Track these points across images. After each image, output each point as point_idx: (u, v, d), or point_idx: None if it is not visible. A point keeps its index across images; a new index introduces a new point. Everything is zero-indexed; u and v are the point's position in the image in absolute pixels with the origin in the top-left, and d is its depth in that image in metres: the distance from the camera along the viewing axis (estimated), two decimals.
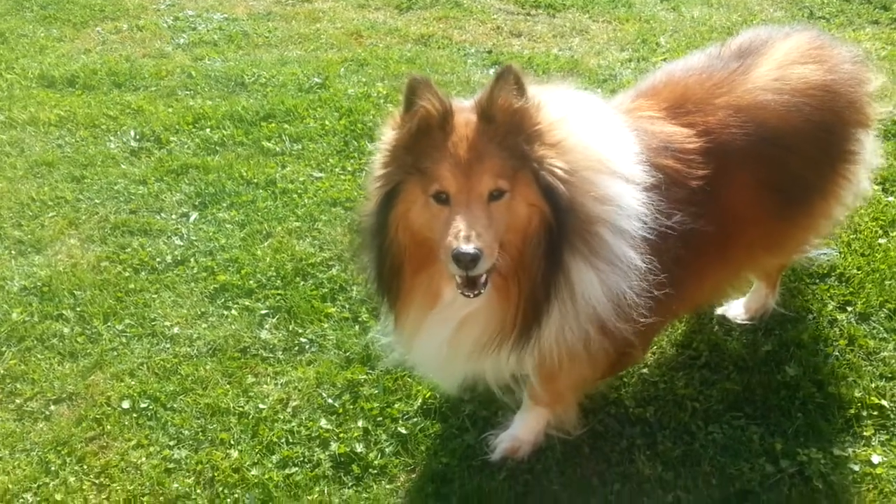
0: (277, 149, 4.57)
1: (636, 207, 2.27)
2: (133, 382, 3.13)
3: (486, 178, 2.13)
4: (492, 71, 5.41)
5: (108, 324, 3.41)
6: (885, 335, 3.17)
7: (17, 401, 3.08)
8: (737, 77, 2.65)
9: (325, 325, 3.37)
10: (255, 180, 4.30)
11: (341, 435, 2.90)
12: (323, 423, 2.94)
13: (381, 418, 2.94)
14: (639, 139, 2.41)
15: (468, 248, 2.05)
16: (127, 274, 3.69)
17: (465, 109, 2.24)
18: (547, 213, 2.17)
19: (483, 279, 2.18)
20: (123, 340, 3.34)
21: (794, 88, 2.63)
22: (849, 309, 3.30)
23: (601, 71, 5.32)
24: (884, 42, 5.48)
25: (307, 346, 3.29)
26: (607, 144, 2.32)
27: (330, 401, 3.03)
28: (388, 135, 2.29)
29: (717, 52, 2.79)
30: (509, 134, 2.16)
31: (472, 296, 2.20)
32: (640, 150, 2.37)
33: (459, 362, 2.45)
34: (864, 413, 2.88)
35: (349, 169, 4.37)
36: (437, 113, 2.16)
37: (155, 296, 3.57)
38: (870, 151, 2.96)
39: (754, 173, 2.60)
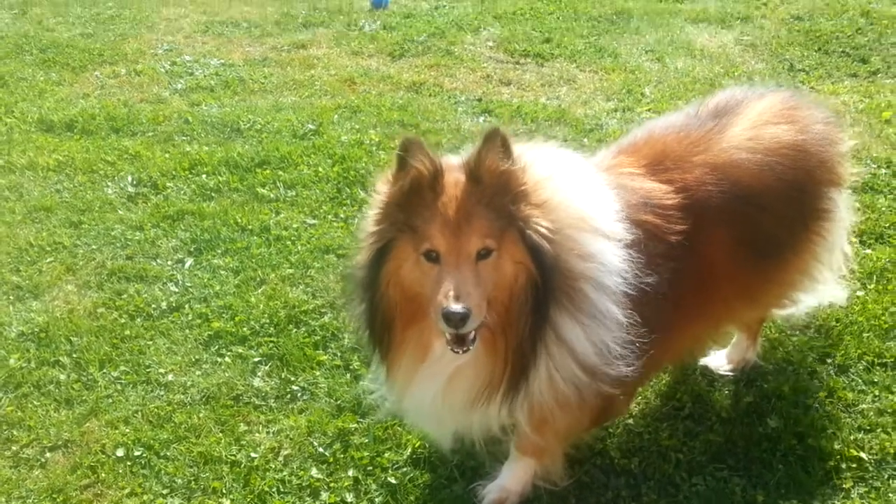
0: (272, 195, 4.67)
1: (617, 264, 2.36)
2: (127, 430, 3.18)
3: (474, 238, 2.22)
4: (482, 119, 5.56)
5: (104, 370, 3.46)
6: (864, 387, 3.26)
7: (13, 448, 3.11)
8: (713, 136, 2.76)
9: (317, 373, 3.43)
10: (250, 227, 4.38)
11: (332, 484, 2.95)
12: (314, 472, 2.99)
13: (371, 468, 3.00)
14: (619, 196, 2.51)
15: (457, 307, 2.14)
16: (123, 320, 3.75)
17: (454, 168, 2.33)
18: (533, 270, 2.26)
19: (472, 336, 2.26)
20: (118, 387, 3.39)
21: (766, 148, 2.75)
22: (828, 361, 3.39)
23: (588, 120, 5.46)
24: (861, 95, 5.66)
25: (299, 394, 3.35)
26: (589, 203, 2.42)
27: (321, 450, 3.08)
28: (381, 191, 2.39)
29: (695, 111, 2.91)
30: (496, 195, 2.26)
31: (461, 352, 2.28)
32: (621, 207, 2.47)
33: (451, 415, 2.53)
34: (844, 465, 2.94)
35: (342, 216, 4.47)
36: (427, 173, 2.26)
37: (150, 342, 3.62)
38: (844, 209, 3.07)
39: (730, 229, 2.71)
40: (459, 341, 2.25)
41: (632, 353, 2.44)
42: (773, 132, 2.79)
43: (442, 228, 2.23)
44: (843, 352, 3.41)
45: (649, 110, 5.52)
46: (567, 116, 5.52)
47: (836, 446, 3.01)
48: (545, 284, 2.26)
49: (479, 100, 5.86)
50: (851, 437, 3.04)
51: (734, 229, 2.71)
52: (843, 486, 2.87)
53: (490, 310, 2.28)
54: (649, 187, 2.62)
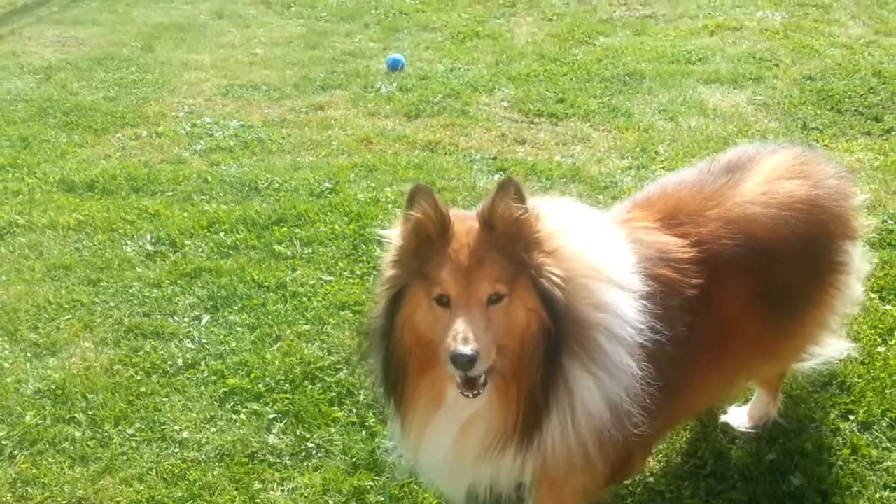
0: (288, 252, 4.71)
1: (632, 315, 2.35)
2: (142, 487, 3.16)
3: (485, 283, 2.23)
4: (497, 177, 5.60)
5: (119, 427, 3.46)
6: (888, 444, 3.20)
7: None
8: (726, 191, 2.78)
9: (333, 430, 3.41)
10: (266, 283, 4.41)
11: None
12: None
13: None
14: (634, 249, 2.52)
15: (465, 349, 2.14)
16: (139, 377, 3.76)
17: (468, 218, 2.36)
18: (545, 317, 2.25)
19: (482, 380, 2.26)
20: (133, 444, 3.38)
21: (780, 202, 2.75)
22: (851, 418, 3.34)
23: (602, 178, 5.50)
24: (876, 152, 5.68)
25: (314, 451, 3.32)
26: (604, 254, 2.42)
27: None
28: (395, 239, 2.41)
29: (708, 166, 2.93)
30: (509, 242, 2.27)
31: (471, 396, 2.27)
32: (636, 260, 2.48)
33: (465, 466, 2.48)
34: None
35: (358, 272, 4.49)
36: (434, 221, 2.28)
37: (165, 399, 3.62)
38: (858, 261, 3.07)
39: (746, 283, 2.69)
40: (470, 385, 2.25)
41: (647, 407, 2.41)
42: (787, 187, 2.81)
43: (453, 273, 2.25)
44: (865, 408, 3.36)
45: (663, 168, 5.56)
46: (582, 174, 5.56)
47: None
48: (557, 333, 2.26)
49: (495, 158, 5.92)
50: (877, 496, 2.98)
51: (750, 282, 2.70)
52: None
53: (502, 356, 2.28)
54: (664, 241, 2.63)
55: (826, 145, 5.84)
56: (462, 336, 2.15)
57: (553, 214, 2.39)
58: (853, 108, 6.47)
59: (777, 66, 7.54)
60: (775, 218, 2.72)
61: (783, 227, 2.72)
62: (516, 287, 2.25)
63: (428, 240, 2.30)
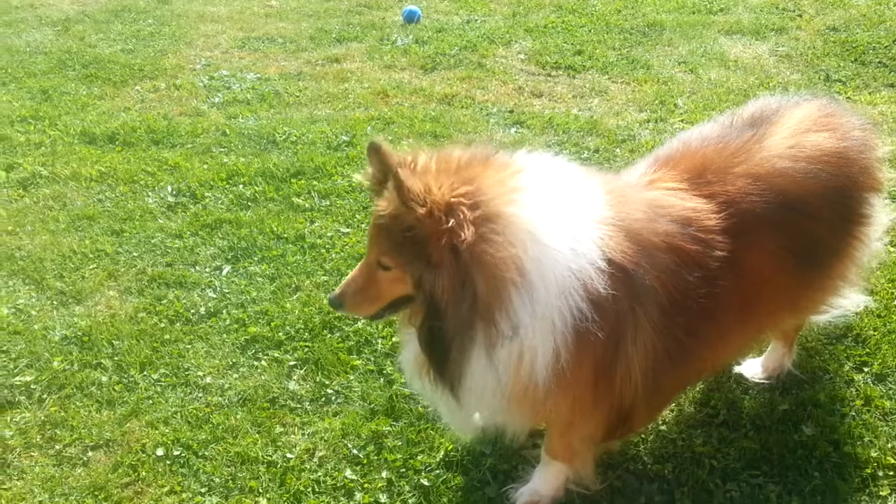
0: (306, 205, 4.74)
1: (556, 309, 2.28)
2: (167, 430, 3.25)
3: (374, 249, 2.40)
4: (513, 129, 5.60)
5: (144, 373, 3.55)
6: None
7: (57, 447, 3.20)
8: (752, 145, 2.74)
9: (351, 377, 3.48)
10: (285, 235, 4.46)
11: (366, 485, 2.98)
12: (348, 473, 3.03)
13: (404, 470, 3.03)
14: (653, 220, 2.50)
15: (332, 301, 2.53)
16: (163, 325, 3.84)
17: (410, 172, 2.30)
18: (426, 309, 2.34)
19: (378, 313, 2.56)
20: (158, 389, 3.47)
21: (809, 156, 2.73)
22: (865, 370, 3.36)
23: (620, 131, 5.47)
24: None
25: (333, 398, 3.39)
26: (540, 257, 2.26)
27: (355, 451, 3.12)
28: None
29: (730, 120, 2.90)
30: (398, 231, 2.27)
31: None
32: (650, 235, 2.45)
33: (415, 379, 2.63)
34: (881, 473, 2.92)
35: None
36: (377, 177, 2.41)
37: (189, 346, 3.70)
38: (882, 214, 3.06)
39: (776, 239, 2.68)
40: None
41: (646, 375, 2.48)
42: (815, 140, 2.78)
43: (369, 230, 2.44)
44: (880, 360, 3.38)
45: (682, 121, 5.52)
46: (599, 127, 5.54)
47: (873, 454, 2.98)
48: (432, 315, 2.32)
49: (511, 111, 5.90)
50: (889, 445, 3.01)
51: (780, 238, 2.69)
52: (880, 493, 2.84)
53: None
54: (690, 207, 2.59)
55: (849, 98, 5.77)
56: (340, 287, 2.51)
57: (510, 204, 2.27)
58: (877, 60, 6.37)
59: (800, 16, 7.41)
60: (805, 171, 2.70)
61: (813, 181, 2.70)
62: (403, 268, 2.34)
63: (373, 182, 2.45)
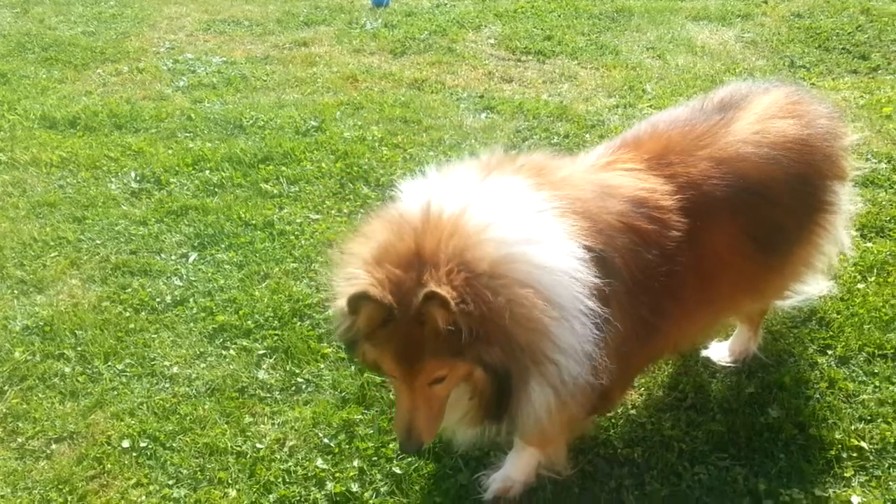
0: (275, 191, 4.69)
1: (586, 330, 2.28)
2: (133, 422, 3.20)
3: (423, 375, 2.26)
4: (483, 115, 5.58)
5: (109, 363, 3.49)
6: (864, 378, 3.28)
7: (19, 439, 3.13)
8: (719, 130, 2.76)
9: (322, 366, 3.45)
10: (253, 222, 4.40)
11: (337, 475, 2.97)
12: (319, 462, 3.01)
13: (376, 458, 3.02)
14: (602, 205, 2.48)
15: (410, 448, 2.39)
16: (127, 314, 3.77)
17: (409, 293, 2.18)
18: (488, 378, 2.26)
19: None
20: (123, 380, 3.41)
21: (772, 142, 2.76)
22: (829, 352, 3.41)
23: (589, 116, 5.48)
24: (862, 91, 5.68)
25: (304, 386, 3.37)
26: (550, 278, 2.26)
27: (326, 441, 3.10)
28: (338, 312, 2.34)
29: (700, 104, 2.91)
30: (442, 342, 2.18)
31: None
32: (602, 218, 2.44)
33: (449, 427, 2.59)
34: (845, 454, 2.96)
35: (345, 211, 4.49)
36: (379, 319, 2.20)
37: (154, 336, 3.64)
38: (846, 201, 3.09)
39: (736, 222, 2.71)
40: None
41: (620, 355, 2.48)
42: (780, 126, 2.80)
43: (396, 363, 2.27)
44: (843, 343, 3.43)
45: (651, 106, 5.54)
46: (568, 113, 5.54)
47: (837, 436, 3.02)
48: (502, 379, 2.27)
49: (481, 96, 5.88)
50: (852, 427, 3.06)
51: (740, 222, 2.71)
52: (844, 474, 2.89)
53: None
54: (645, 187, 2.60)
55: (813, 83, 5.83)
56: (406, 430, 2.33)
57: (487, 248, 2.22)
58: (840, 46, 6.44)
59: (765, 2, 7.48)
60: (768, 157, 2.72)
61: (775, 167, 2.73)
62: (457, 364, 2.25)
63: (371, 329, 2.25)
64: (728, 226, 2.70)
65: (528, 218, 2.33)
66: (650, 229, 2.53)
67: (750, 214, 2.72)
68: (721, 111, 2.84)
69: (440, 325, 2.13)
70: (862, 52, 6.31)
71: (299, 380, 3.39)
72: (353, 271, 2.24)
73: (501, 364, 2.22)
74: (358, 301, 2.14)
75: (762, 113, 2.83)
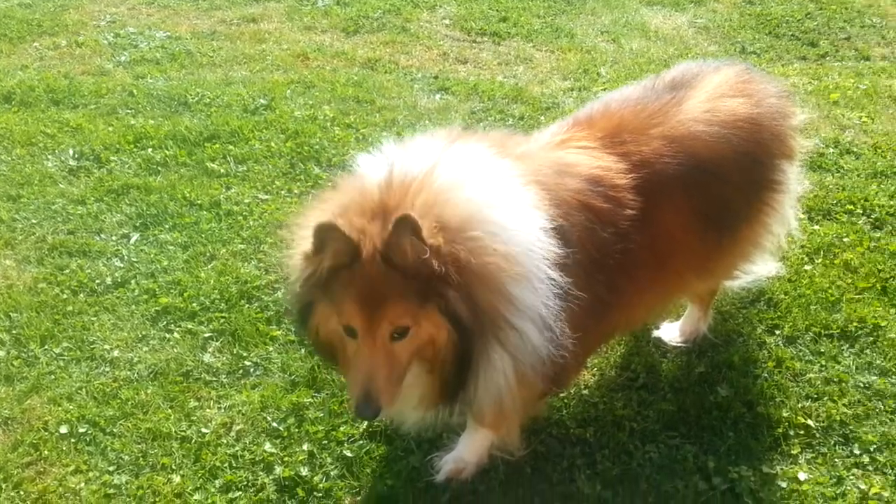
0: (222, 170, 4.56)
1: (548, 297, 2.28)
2: (71, 407, 3.08)
3: (386, 322, 2.18)
4: (438, 96, 5.51)
5: (45, 347, 3.35)
6: (811, 357, 3.32)
7: None
8: (670, 108, 2.76)
9: (271, 349, 3.37)
10: (199, 202, 4.27)
11: (286, 458, 2.90)
12: (267, 446, 2.94)
13: (326, 441, 2.95)
14: (559, 182, 2.47)
15: (367, 412, 2.23)
16: (65, 296, 3.63)
17: (375, 235, 2.17)
18: (452, 334, 2.22)
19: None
20: (61, 364, 3.28)
21: (723, 121, 2.76)
22: (777, 332, 3.45)
23: (544, 99, 5.45)
24: (811, 77, 5.75)
25: (252, 370, 3.28)
26: (516, 241, 2.27)
27: (275, 424, 3.02)
28: (298, 262, 2.29)
29: (652, 84, 2.91)
30: (413, 277, 2.15)
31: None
32: (559, 196, 2.42)
33: (404, 413, 2.54)
34: (792, 432, 3.00)
35: (295, 191, 4.39)
36: (345, 256, 2.16)
37: (94, 318, 3.51)
38: (794, 182, 3.12)
39: (687, 201, 2.71)
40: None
41: (583, 328, 2.45)
42: (730, 105, 2.81)
43: (359, 308, 2.18)
44: (791, 323, 3.47)
45: (605, 89, 5.52)
46: (524, 95, 5.50)
47: (785, 414, 3.06)
48: (466, 340, 2.23)
49: (436, 77, 5.80)
50: (799, 406, 3.10)
51: (691, 201, 2.72)
52: (791, 451, 2.92)
53: (416, 363, 2.30)
54: (600, 165, 2.59)
55: (763, 69, 5.88)
56: (364, 392, 2.19)
57: (452, 215, 2.21)
58: (790, 33, 6.52)
59: None
60: (718, 136, 2.73)
61: (725, 146, 2.73)
62: (423, 314, 2.20)
63: (335, 269, 2.19)
64: (680, 204, 2.71)
65: (495, 182, 2.33)
66: (605, 208, 2.53)
67: (701, 193, 2.72)
68: (672, 90, 2.84)
69: (409, 257, 2.10)
70: (811, 40, 6.39)
71: (247, 363, 3.30)
72: (314, 223, 2.17)
73: (466, 319, 2.17)
74: (325, 233, 2.12)
75: (713, 92, 2.84)
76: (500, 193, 2.31)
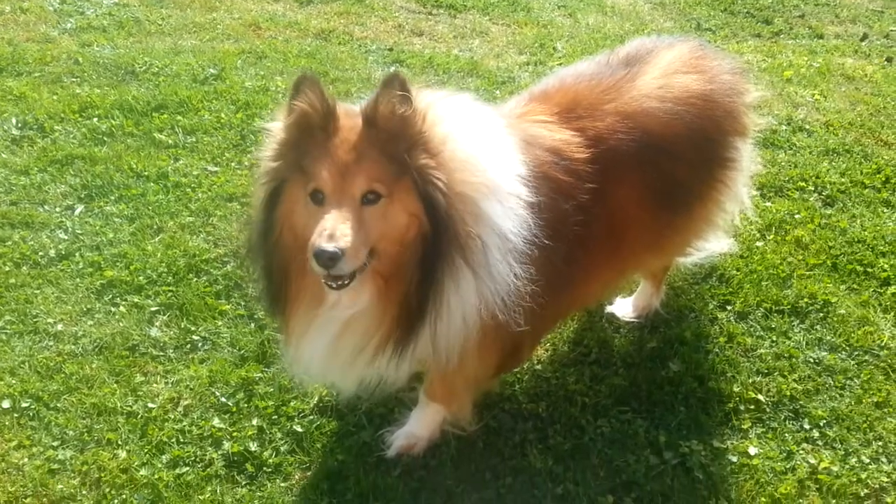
0: (170, 141, 4.44)
1: (513, 226, 2.28)
2: (14, 381, 2.98)
3: (360, 179, 2.12)
4: (392, 69, 5.42)
5: None
6: (762, 333, 3.37)
7: None
8: (624, 84, 2.75)
9: (219, 323, 3.30)
10: (146, 173, 4.15)
11: (235, 434, 2.84)
12: (216, 422, 2.88)
13: (276, 417, 2.91)
14: (527, 150, 2.45)
15: (328, 246, 2.03)
16: (7, 268, 3.50)
17: (353, 114, 2.22)
18: (424, 223, 2.17)
19: (349, 276, 2.16)
20: (3, 338, 3.17)
21: (676, 97, 2.75)
22: (728, 308, 3.49)
23: (500, 73, 5.41)
24: (765, 54, 5.81)
25: (200, 344, 3.21)
26: (491, 163, 2.31)
27: (223, 399, 2.97)
28: (276, 131, 2.27)
29: (606, 59, 2.89)
30: (391, 140, 2.14)
31: (335, 286, 2.16)
32: (528, 162, 2.40)
33: (338, 367, 2.43)
34: (742, 407, 3.04)
35: (246, 164, 4.29)
36: (318, 112, 2.15)
37: (37, 291, 3.40)
38: (747, 159, 3.13)
39: (640, 178, 2.71)
40: (335, 279, 2.14)
41: (537, 301, 2.40)
42: (683, 81, 2.80)
43: (329, 168, 2.12)
44: (742, 299, 3.51)
45: (560, 64, 5.50)
46: (479, 69, 5.45)
47: (736, 389, 3.10)
48: (436, 239, 2.18)
49: (391, 49, 5.72)
50: (750, 381, 3.14)
51: (644, 177, 2.71)
52: (742, 426, 2.96)
53: (379, 259, 2.20)
54: (560, 139, 2.58)
55: (718, 46, 5.91)
56: (328, 233, 2.04)
57: (443, 114, 2.26)
58: (745, 11, 6.58)
59: None
60: (671, 112, 2.72)
61: (678, 122, 2.73)
62: (397, 189, 2.14)
63: (310, 132, 2.16)
64: (634, 180, 2.70)
65: (484, 120, 2.40)
66: (566, 181, 2.51)
67: (654, 169, 2.72)
68: (627, 65, 2.83)
69: (393, 113, 2.13)
70: (765, 17, 6.45)
71: (195, 337, 3.23)
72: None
73: (440, 207, 2.15)
74: (301, 83, 2.14)
75: (666, 67, 2.83)
76: (490, 132, 2.38)
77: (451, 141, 2.23)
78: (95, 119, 4.57)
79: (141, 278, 3.48)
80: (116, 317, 3.30)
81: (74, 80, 5.00)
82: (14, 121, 4.52)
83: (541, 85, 2.87)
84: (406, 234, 2.18)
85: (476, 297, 2.27)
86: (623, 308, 3.44)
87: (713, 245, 3.43)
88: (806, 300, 3.49)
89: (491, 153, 2.33)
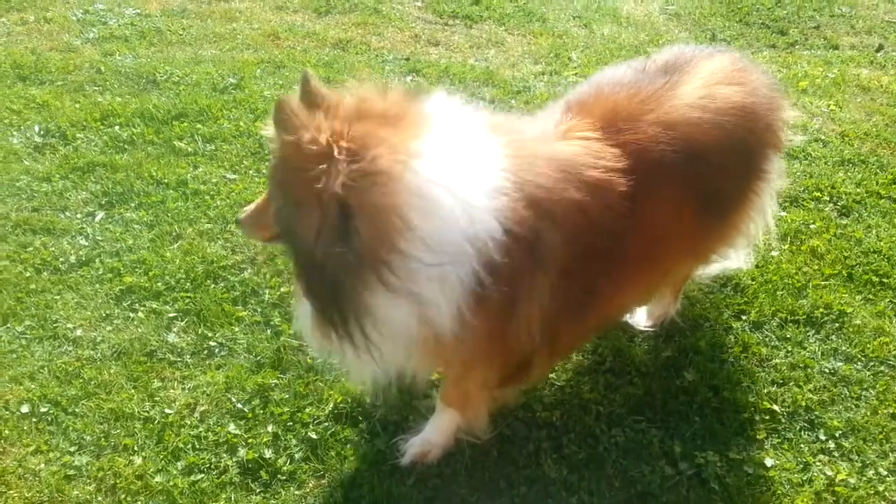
0: (189, 149, 4.49)
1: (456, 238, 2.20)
2: (33, 386, 3.02)
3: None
4: (409, 78, 5.46)
5: (7, 325, 3.28)
6: (777, 343, 3.35)
7: None
8: (665, 93, 2.70)
9: (236, 329, 3.33)
10: (166, 180, 4.20)
11: (250, 440, 2.87)
12: (231, 428, 2.91)
13: (291, 423, 2.93)
14: (562, 182, 2.40)
15: (238, 216, 2.60)
16: (28, 274, 3.55)
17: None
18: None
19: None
20: (23, 342, 3.22)
21: (718, 108, 2.72)
22: (743, 318, 3.48)
23: (515, 82, 5.43)
24: (780, 65, 5.79)
25: (217, 350, 3.24)
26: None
27: (239, 406, 2.99)
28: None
29: (643, 66, 2.85)
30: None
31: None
32: (554, 198, 2.37)
33: (310, 333, 2.46)
34: (758, 417, 3.03)
35: (264, 171, 4.32)
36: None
37: (57, 297, 3.45)
38: (777, 172, 3.13)
39: (681, 188, 2.67)
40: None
41: (545, 325, 2.45)
42: (726, 93, 2.77)
43: None
44: (757, 309, 3.50)
45: (576, 74, 5.53)
46: (495, 78, 5.47)
47: (751, 399, 3.09)
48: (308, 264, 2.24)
49: (407, 59, 5.75)
50: (765, 391, 3.13)
51: (686, 187, 2.68)
52: (757, 437, 2.95)
53: None
54: (604, 167, 2.50)
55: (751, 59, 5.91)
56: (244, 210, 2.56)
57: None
58: (760, 21, 6.56)
59: None
60: (713, 122, 2.69)
61: (720, 133, 2.69)
62: (271, 201, 2.35)
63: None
64: (674, 191, 2.66)
65: (469, 179, 2.24)
66: (603, 216, 2.46)
67: (695, 179, 2.68)
68: (665, 74, 2.78)
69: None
70: (780, 28, 6.44)
71: (212, 343, 3.26)
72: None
73: (297, 234, 2.20)
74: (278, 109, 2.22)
75: (708, 78, 2.79)
76: (462, 190, 2.21)
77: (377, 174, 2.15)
78: (117, 127, 4.63)
79: (159, 284, 3.52)
80: (135, 322, 3.34)
81: (96, 88, 5.06)
82: (37, 128, 4.58)
83: (577, 94, 2.80)
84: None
85: (405, 311, 2.25)
86: (638, 316, 3.43)
87: (731, 262, 3.44)
88: (821, 310, 3.48)
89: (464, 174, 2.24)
